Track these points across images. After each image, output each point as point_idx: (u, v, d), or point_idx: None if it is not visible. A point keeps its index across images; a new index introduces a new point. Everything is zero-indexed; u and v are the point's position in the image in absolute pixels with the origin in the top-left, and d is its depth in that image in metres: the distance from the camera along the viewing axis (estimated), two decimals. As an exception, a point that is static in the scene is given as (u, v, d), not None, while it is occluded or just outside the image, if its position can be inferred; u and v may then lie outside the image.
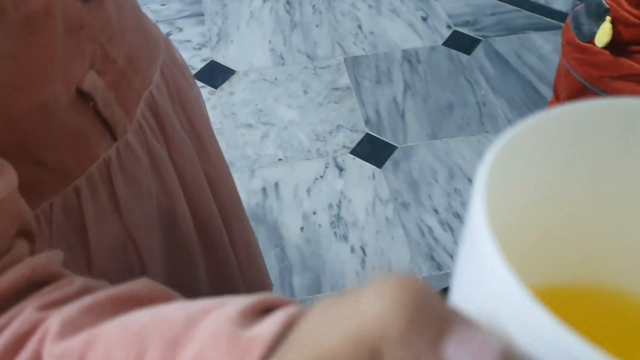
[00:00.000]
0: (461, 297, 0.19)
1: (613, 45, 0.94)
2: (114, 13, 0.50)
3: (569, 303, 0.24)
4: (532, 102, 1.80)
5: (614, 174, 0.22)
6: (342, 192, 1.63)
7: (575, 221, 0.23)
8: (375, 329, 0.16)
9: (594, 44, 0.97)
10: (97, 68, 0.48)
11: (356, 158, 1.71)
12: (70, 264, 0.48)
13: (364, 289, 0.17)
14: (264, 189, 1.65)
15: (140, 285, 0.32)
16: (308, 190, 1.64)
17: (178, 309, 0.27)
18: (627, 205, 0.22)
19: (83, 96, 0.47)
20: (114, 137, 0.51)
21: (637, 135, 0.21)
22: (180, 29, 2.10)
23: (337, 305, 0.18)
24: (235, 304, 0.25)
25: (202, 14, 2.15)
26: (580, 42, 1.00)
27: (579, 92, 1.09)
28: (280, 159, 1.72)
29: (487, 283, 0.16)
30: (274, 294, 0.27)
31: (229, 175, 0.76)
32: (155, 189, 0.57)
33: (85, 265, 0.51)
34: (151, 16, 2.13)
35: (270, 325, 0.23)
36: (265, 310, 0.26)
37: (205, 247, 0.65)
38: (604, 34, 0.93)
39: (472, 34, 2.04)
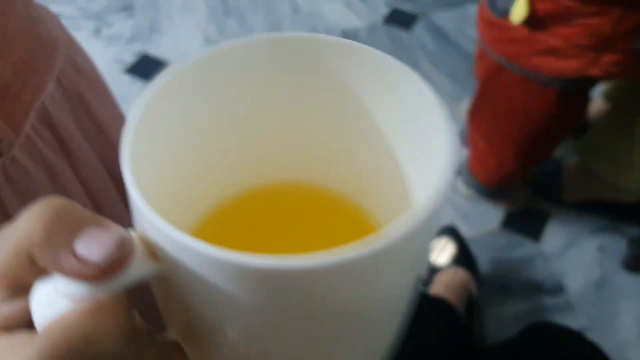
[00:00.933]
0: None
1: (529, 21, 0.91)
2: None
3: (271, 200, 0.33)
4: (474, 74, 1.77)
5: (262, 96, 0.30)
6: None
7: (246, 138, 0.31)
8: (25, 240, 0.21)
9: (509, 20, 0.93)
10: None
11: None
12: None
13: (22, 214, 0.22)
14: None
15: None
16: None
17: None
18: (286, 118, 0.31)
19: None
20: None
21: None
22: (110, 24, 2.00)
23: (6, 230, 0.23)
24: None
25: (133, 7, 2.06)
26: (495, 18, 0.97)
27: (495, 72, 1.05)
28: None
29: (136, 211, 0.23)
30: None
31: None
32: None
33: None
34: (77, 13, 2.03)
35: None
36: None
37: None
38: (520, 9, 0.90)
39: (411, 10, 2.00)
